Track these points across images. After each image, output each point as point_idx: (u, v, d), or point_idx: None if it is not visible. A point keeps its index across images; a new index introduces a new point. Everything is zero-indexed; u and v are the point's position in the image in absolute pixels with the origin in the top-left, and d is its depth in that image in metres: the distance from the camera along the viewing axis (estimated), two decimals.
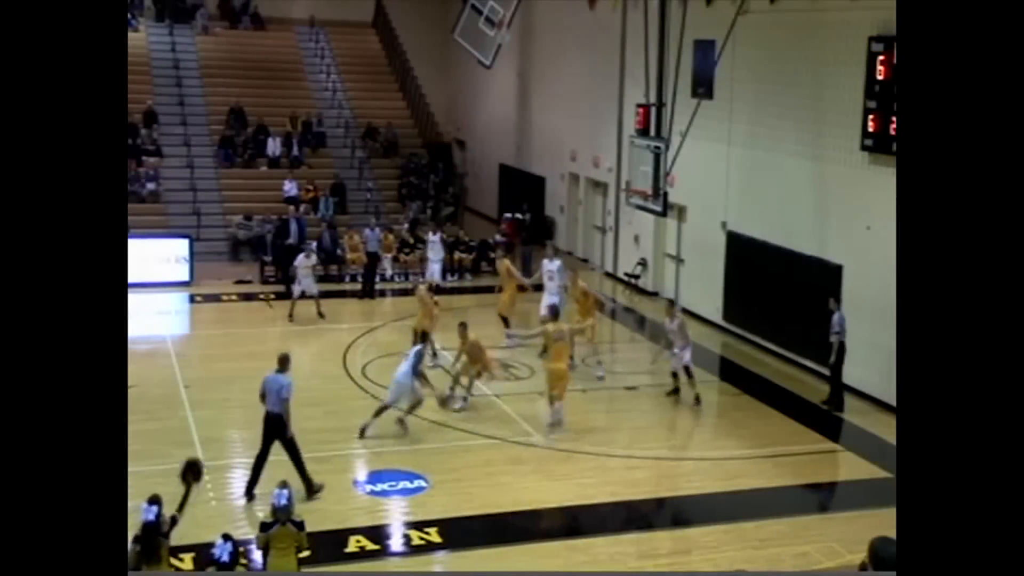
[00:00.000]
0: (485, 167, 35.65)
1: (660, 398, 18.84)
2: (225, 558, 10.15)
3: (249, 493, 13.90)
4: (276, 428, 13.86)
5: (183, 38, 34.92)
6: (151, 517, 10.11)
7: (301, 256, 22.89)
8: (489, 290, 24.18)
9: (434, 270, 25.07)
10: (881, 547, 7.69)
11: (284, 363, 14.17)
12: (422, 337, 18.32)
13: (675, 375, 18.32)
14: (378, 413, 16.10)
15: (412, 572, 12.66)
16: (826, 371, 19.08)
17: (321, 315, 22.62)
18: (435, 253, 25.41)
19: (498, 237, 28.48)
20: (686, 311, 24.02)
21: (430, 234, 26.10)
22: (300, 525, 10.57)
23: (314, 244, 25.58)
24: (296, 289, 22.68)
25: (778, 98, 20.78)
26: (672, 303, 19.19)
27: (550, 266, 21.24)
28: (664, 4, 21.98)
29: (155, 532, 10.11)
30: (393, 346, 20.84)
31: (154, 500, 10.29)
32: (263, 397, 13.98)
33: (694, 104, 21.11)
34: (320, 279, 25.14)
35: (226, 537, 10.34)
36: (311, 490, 13.88)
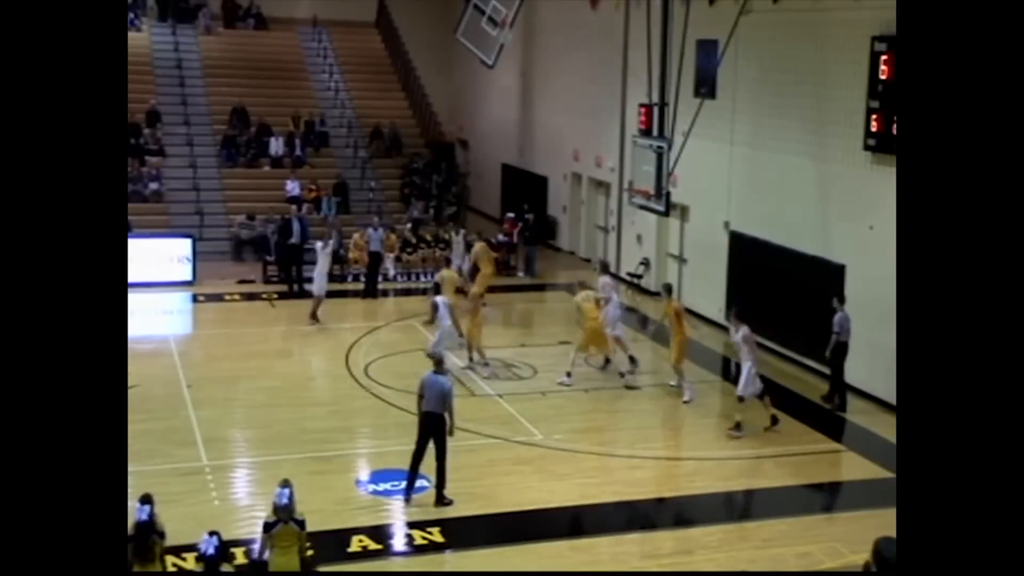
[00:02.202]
0: (488, 167, 35.66)
1: (663, 399, 18.82)
2: (211, 551, 10.21)
3: (408, 495, 13.90)
4: (437, 428, 13.79)
5: (186, 38, 34.93)
6: (144, 516, 10.13)
7: (319, 243, 22.69)
8: (491, 290, 24.18)
9: (459, 264, 25.16)
10: (885, 547, 7.69)
11: (441, 364, 14.22)
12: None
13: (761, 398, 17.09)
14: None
15: (415, 572, 12.66)
16: (829, 370, 19.11)
17: (316, 318, 22.37)
18: (458, 250, 25.41)
19: (500, 237, 28.48)
20: (689, 311, 24.08)
21: (453, 234, 26.18)
22: (301, 524, 10.59)
23: (318, 244, 25.58)
24: (319, 284, 22.36)
25: (781, 98, 20.77)
26: (736, 310, 17.59)
27: (600, 280, 20.61)
28: (667, 4, 21.96)
29: (149, 531, 10.13)
30: (396, 346, 20.88)
31: (146, 499, 10.31)
32: (421, 398, 13.92)
33: (697, 104, 21.11)
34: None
35: (211, 533, 10.40)
36: (442, 500, 13.88)
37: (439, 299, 19.27)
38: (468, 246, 26.11)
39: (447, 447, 13.87)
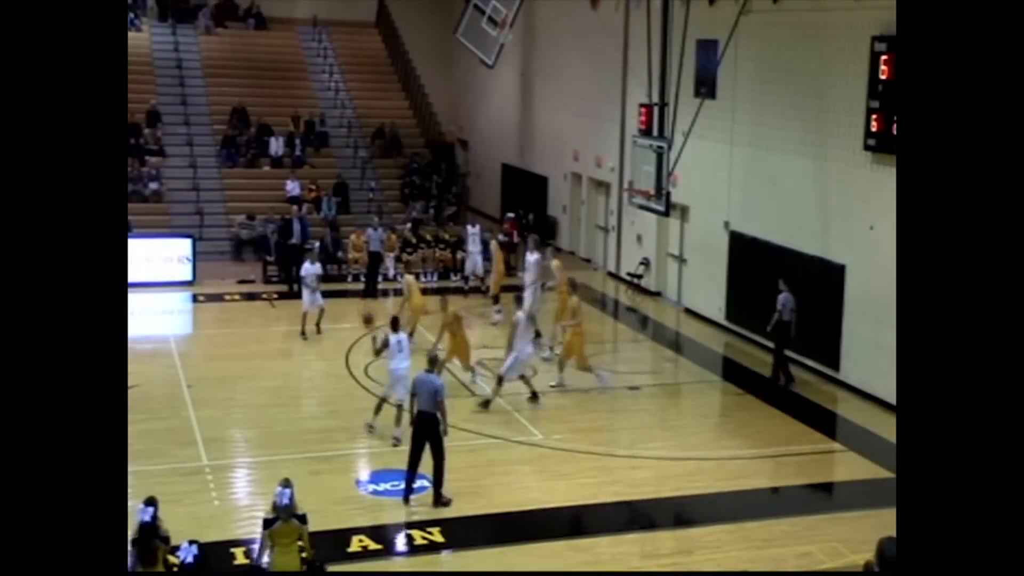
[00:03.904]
0: (488, 167, 35.66)
1: (663, 398, 18.83)
2: (189, 559, 10.21)
3: (407, 497, 13.87)
4: (430, 427, 13.78)
5: (186, 38, 34.95)
6: (147, 518, 10.11)
7: (307, 264, 22.44)
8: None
9: (476, 261, 25.18)
10: (888, 547, 7.69)
11: (434, 363, 14.29)
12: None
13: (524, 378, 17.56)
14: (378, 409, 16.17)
15: (415, 572, 12.67)
16: (829, 370, 19.17)
17: (319, 329, 21.87)
18: (475, 245, 25.43)
19: (501, 237, 28.46)
20: (688, 311, 24.11)
21: (468, 227, 26.16)
22: (303, 519, 10.59)
23: (317, 245, 25.57)
24: (307, 299, 21.87)
25: (781, 98, 20.77)
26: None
27: (530, 259, 21.75)
28: (667, 4, 21.98)
29: (152, 533, 10.11)
30: None
31: (150, 502, 10.29)
32: (414, 396, 13.95)
33: (697, 104, 21.12)
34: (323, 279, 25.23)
35: (191, 541, 10.41)
36: (440, 500, 13.87)
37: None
38: (485, 244, 25.74)
39: (443, 446, 13.86)
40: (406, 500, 13.85)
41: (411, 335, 20.67)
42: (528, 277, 21.61)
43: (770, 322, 18.97)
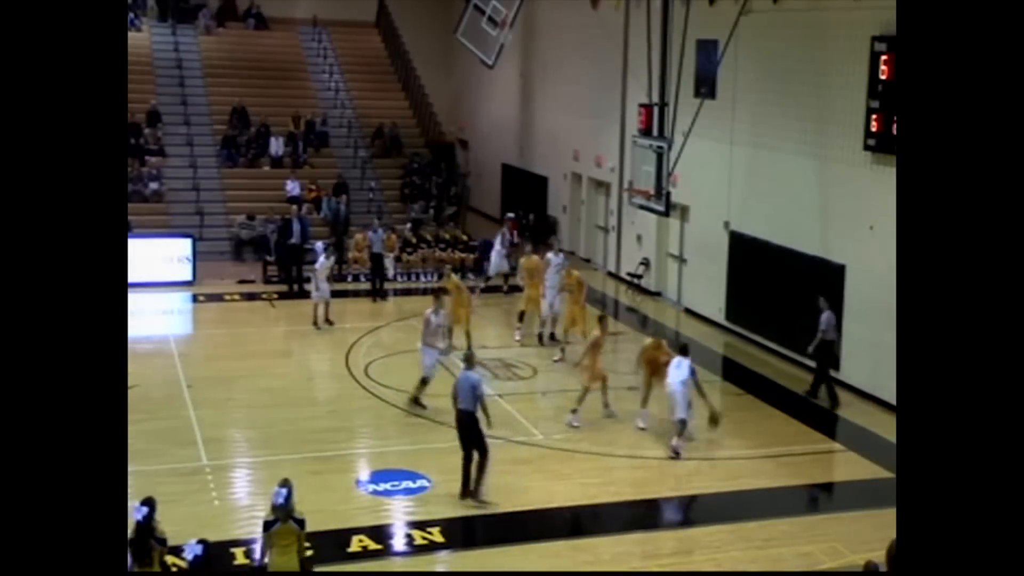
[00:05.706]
0: (488, 167, 35.66)
1: (663, 399, 18.78)
2: (190, 558, 10.22)
3: (464, 495, 13.89)
4: (472, 425, 13.85)
5: (186, 38, 34.95)
6: (139, 517, 10.10)
7: (321, 259, 22.51)
8: (489, 290, 24.18)
9: (500, 261, 25.15)
10: (874, 570, 7.73)
11: (471, 360, 14.39)
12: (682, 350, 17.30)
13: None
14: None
15: (414, 572, 12.66)
16: (829, 370, 19.13)
17: (330, 321, 22.25)
18: (500, 245, 25.37)
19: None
20: (688, 311, 24.10)
21: (500, 233, 26.11)
22: (301, 523, 10.58)
23: (321, 244, 25.54)
24: (315, 294, 22.25)
25: (781, 98, 20.77)
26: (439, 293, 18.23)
27: (555, 261, 21.42)
28: (667, 4, 21.98)
29: (147, 533, 10.10)
30: (396, 346, 20.88)
31: (146, 502, 10.28)
32: (455, 398, 14.03)
33: (697, 104, 21.12)
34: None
35: (199, 541, 10.43)
36: (476, 495, 13.87)
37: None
38: (511, 243, 25.66)
39: (485, 444, 13.87)
40: (466, 496, 13.88)
41: (450, 343, 20.45)
42: (552, 279, 21.34)
43: (812, 342, 18.19)
